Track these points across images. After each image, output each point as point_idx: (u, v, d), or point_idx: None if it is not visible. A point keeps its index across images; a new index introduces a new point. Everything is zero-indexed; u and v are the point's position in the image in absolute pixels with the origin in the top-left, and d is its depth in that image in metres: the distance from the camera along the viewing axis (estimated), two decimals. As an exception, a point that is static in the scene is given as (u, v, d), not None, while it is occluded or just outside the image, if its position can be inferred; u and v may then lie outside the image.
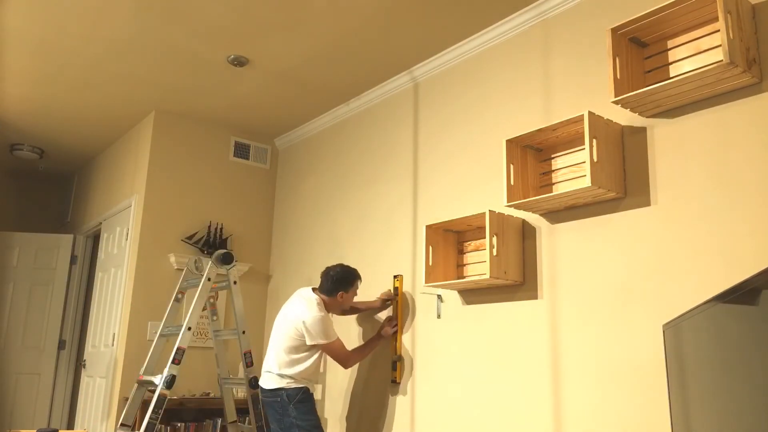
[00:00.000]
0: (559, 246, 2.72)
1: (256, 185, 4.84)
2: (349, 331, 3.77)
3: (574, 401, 2.53)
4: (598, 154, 2.41)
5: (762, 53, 2.16)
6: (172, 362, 3.28)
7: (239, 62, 3.67)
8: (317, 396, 3.92)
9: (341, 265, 3.40)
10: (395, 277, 3.53)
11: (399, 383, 3.38)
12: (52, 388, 5.25)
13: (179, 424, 4.02)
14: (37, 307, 5.32)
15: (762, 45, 2.16)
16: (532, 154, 2.85)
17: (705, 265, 2.20)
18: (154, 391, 3.29)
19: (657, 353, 2.28)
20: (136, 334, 4.14)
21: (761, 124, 2.12)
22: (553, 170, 2.80)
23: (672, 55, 2.42)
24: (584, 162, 2.57)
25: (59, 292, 5.37)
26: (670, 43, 2.42)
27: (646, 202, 2.42)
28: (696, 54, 2.33)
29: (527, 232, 2.87)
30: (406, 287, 3.48)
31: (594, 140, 2.40)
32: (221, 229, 4.56)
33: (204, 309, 3.80)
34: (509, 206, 2.71)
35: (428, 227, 3.09)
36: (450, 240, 3.16)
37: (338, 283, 3.32)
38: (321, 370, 3.93)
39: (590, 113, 2.42)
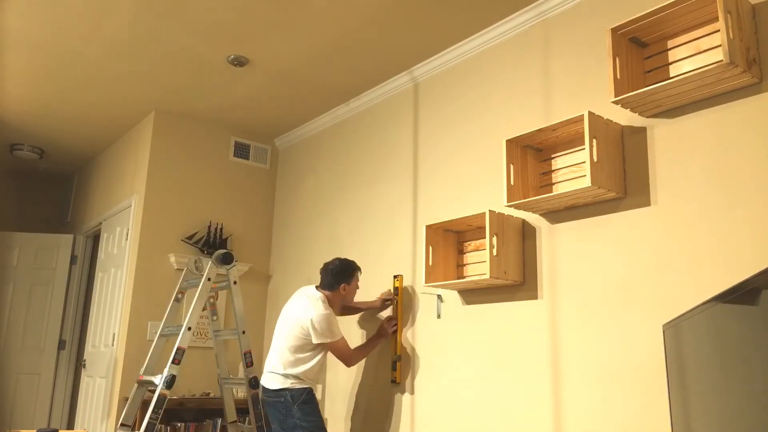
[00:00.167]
0: (559, 246, 2.72)
1: (256, 185, 4.84)
2: (350, 331, 3.77)
3: (574, 401, 2.53)
4: (598, 154, 2.41)
5: (762, 53, 2.16)
6: (172, 362, 3.28)
7: (239, 62, 3.67)
8: (318, 396, 3.92)
9: (339, 259, 3.39)
10: (395, 277, 3.53)
11: (399, 383, 3.38)
12: (52, 388, 5.25)
13: (179, 424, 4.02)
14: (37, 307, 5.32)
15: (762, 45, 2.16)
16: (532, 154, 2.85)
17: (705, 265, 2.20)
18: (154, 391, 3.29)
19: (657, 353, 2.28)
20: (136, 334, 4.14)
21: (761, 124, 2.12)
22: (553, 170, 2.80)
23: (672, 55, 2.42)
24: (584, 162, 2.57)
25: (59, 292, 5.37)
26: (670, 43, 2.42)
27: (646, 202, 2.42)
28: (696, 54, 2.34)
29: (527, 232, 2.87)
30: (407, 287, 3.48)
31: (594, 140, 2.40)
32: (221, 229, 4.56)
33: (204, 309, 3.80)
34: (509, 206, 2.71)
35: (428, 227, 3.09)
36: (450, 240, 3.16)
37: (339, 276, 3.31)
38: (324, 368, 3.93)
39: (590, 113, 2.42)
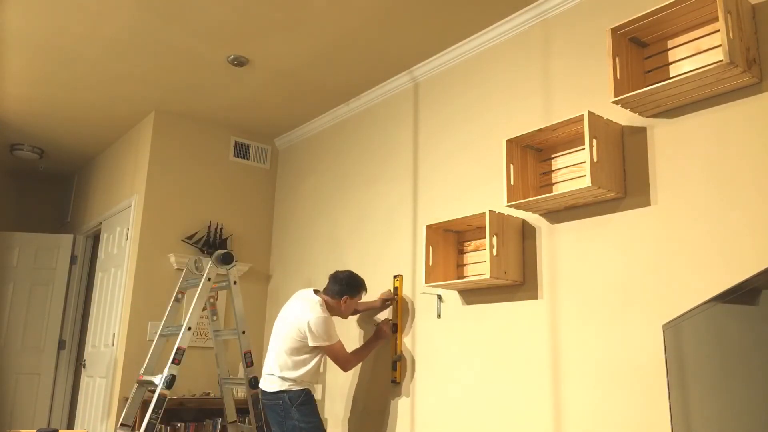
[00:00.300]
0: (559, 246, 2.72)
1: (256, 185, 4.84)
2: (350, 332, 3.77)
3: (574, 401, 2.53)
4: (598, 154, 2.41)
5: (762, 53, 2.16)
6: (172, 362, 3.28)
7: (239, 62, 3.67)
8: (317, 396, 3.93)
9: (351, 271, 3.40)
10: (395, 277, 3.53)
11: (399, 383, 3.38)
12: (52, 388, 5.25)
13: (179, 424, 4.02)
14: (37, 307, 5.32)
15: (762, 45, 2.16)
16: (532, 154, 2.85)
17: (705, 265, 2.20)
18: (154, 391, 3.29)
19: (657, 353, 2.28)
20: (136, 334, 4.14)
21: (761, 124, 2.12)
22: (553, 170, 2.80)
23: (672, 55, 2.42)
24: (584, 162, 2.56)
25: (59, 292, 5.37)
26: (670, 43, 2.42)
27: (646, 202, 2.42)
28: (696, 54, 2.33)
29: (527, 232, 2.87)
30: (407, 287, 3.48)
31: (594, 140, 2.40)
32: (221, 229, 4.56)
33: (204, 309, 3.80)
34: (509, 206, 2.71)
35: (428, 227, 3.09)
36: (450, 240, 3.16)
37: (347, 287, 3.31)
38: (321, 370, 3.93)
39: (590, 113, 2.42)
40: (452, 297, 3.18)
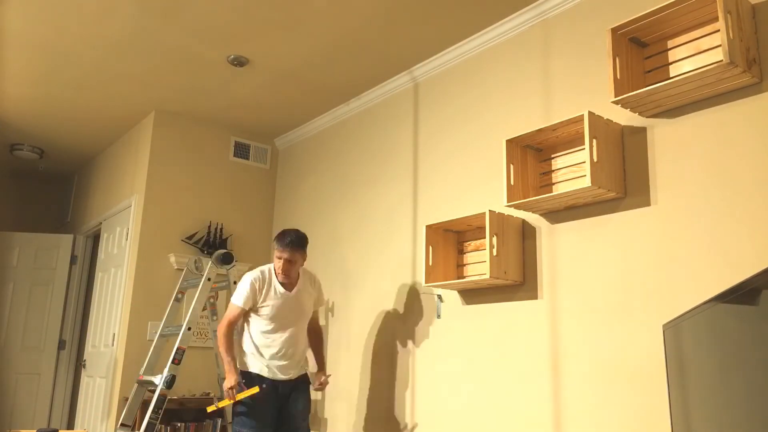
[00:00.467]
0: (559, 246, 2.72)
1: (256, 185, 4.84)
2: (351, 336, 3.77)
3: (574, 401, 2.53)
4: (598, 154, 2.41)
5: (762, 53, 2.16)
6: (172, 362, 3.28)
7: (239, 62, 3.67)
8: (317, 396, 3.93)
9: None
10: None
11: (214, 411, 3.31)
12: (52, 388, 5.25)
13: (179, 424, 4.02)
14: (37, 307, 5.32)
15: (762, 45, 2.16)
16: (532, 154, 2.85)
17: (705, 265, 2.20)
18: (154, 391, 3.29)
19: (657, 353, 2.28)
20: (136, 334, 4.14)
21: (761, 124, 2.12)
22: (553, 170, 2.80)
23: (672, 55, 2.42)
24: (584, 162, 2.57)
25: (59, 292, 5.37)
26: (670, 43, 2.42)
27: (645, 202, 2.42)
28: (696, 54, 2.33)
29: (527, 232, 2.87)
30: (407, 287, 3.48)
31: (594, 140, 2.40)
32: (221, 229, 4.56)
33: (204, 309, 3.80)
34: (509, 206, 2.71)
35: (428, 227, 3.09)
36: (450, 240, 3.16)
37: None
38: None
39: (590, 113, 2.42)
40: (452, 297, 3.18)
